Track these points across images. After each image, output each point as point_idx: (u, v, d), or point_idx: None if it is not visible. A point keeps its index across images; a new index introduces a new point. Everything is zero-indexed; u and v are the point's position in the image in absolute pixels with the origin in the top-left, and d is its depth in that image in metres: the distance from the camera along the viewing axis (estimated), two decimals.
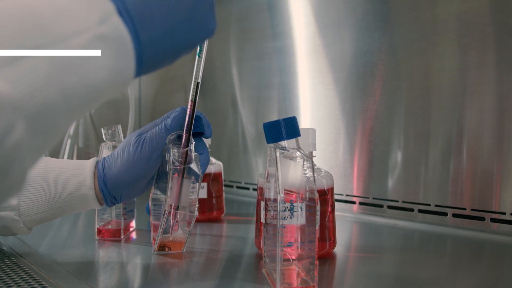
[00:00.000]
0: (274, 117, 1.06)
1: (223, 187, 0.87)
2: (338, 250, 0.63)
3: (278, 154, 0.46)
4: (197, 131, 0.59)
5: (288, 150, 0.47)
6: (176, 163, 0.57)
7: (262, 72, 1.09)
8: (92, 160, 0.59)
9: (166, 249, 0.61)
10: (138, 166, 0.56)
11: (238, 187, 1.14)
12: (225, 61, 1.17)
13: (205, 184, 0.82)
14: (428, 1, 0.80)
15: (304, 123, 0.99)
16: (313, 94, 0.97)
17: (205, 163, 0.60)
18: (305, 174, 0.47)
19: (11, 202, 0.55)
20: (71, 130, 1.20)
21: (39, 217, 0.57)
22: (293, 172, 0.46)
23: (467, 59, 0.76)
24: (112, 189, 0.58)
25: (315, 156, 0.58)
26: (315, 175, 0.46)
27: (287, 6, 1.02)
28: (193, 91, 0.57)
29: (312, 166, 0.47)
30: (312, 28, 0.97)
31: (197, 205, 0.59)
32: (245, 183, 1.12)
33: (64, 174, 0.57)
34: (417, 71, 0.82)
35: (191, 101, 0.57)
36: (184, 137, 0.57)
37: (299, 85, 1.00)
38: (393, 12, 0.85)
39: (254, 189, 1.10)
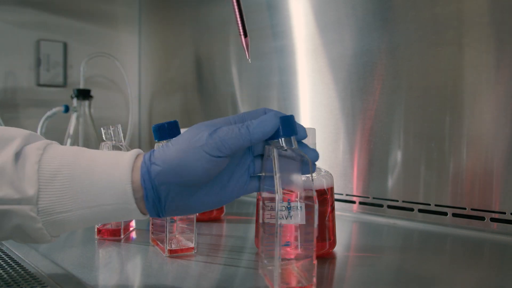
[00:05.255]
0: None
1: None
2: (338, 249, 0.63)
3: (276, 153, 0.46)
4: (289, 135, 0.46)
5: (286, 150, 0.47)
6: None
7: (262, 72, 1.09)
8: (135, 150, 0.47)
9: (178, 251, 0.61)
10: (199, 151, 0.44)
11: None
12: (225, 60, 1.17)
13: None
14: (428, 1, 0.80)
15: (303, 122, 0.99)
16: (313, 93, 0.97)
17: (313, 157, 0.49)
18: None
19: (27, 192, 0.43)
20: (71, 130, 1.20)
21: (62, 218, 0.44)
22: (292, 171, 0.46)
23: (467, 59, 0.76)
24: (158, 176, 0.44)
25: None
26: (314, 175, 0.46)
27: (287, 6, 1.02)
28: None
29: None
30: (312, 27, 0.97)
31: None
32: None
33: (97, 164, 0.45)
34: (416, 71, 0.82)
35: None
36: (240, 27, 0.58)
37: (298, 84, 1.00)
38: (393, 11, 0.85)
39: None
